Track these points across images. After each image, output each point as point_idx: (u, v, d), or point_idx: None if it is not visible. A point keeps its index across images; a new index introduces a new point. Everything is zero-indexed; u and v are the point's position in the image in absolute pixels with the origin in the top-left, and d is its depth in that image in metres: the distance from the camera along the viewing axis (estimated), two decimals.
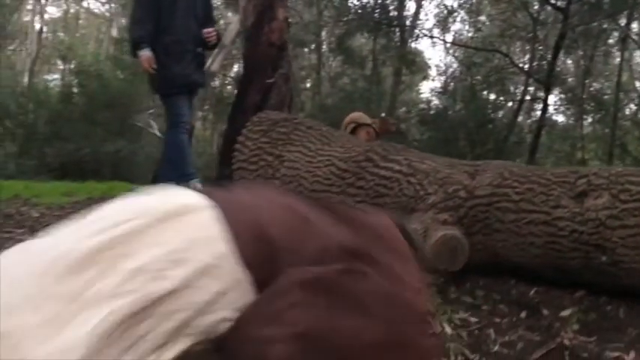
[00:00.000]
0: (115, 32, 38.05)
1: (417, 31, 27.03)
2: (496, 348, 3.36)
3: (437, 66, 32.21)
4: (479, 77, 24.92)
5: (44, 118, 20.65)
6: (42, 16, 31.97)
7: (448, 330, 3.48)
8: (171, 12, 5.98)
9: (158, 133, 22.00)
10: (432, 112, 24.51)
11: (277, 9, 8.12)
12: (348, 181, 4.77)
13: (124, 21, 37.10)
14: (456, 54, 30.10)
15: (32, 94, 22.46)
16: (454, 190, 4.26)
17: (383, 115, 11.22)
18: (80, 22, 41.58)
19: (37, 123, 20.50)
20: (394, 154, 4.79)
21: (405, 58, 25.62)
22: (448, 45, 29.73)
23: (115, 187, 7.87)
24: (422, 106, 28.23)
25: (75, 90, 22.93)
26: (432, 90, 31.85)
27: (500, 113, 26.10)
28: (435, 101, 27.46)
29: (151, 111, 26.15)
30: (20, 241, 3.66)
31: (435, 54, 53.40)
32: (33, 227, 5.02)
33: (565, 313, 3.72)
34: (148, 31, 5.91)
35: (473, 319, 3.67)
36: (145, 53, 5.85)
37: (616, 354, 3.24)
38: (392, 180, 4.58)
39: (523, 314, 3.75)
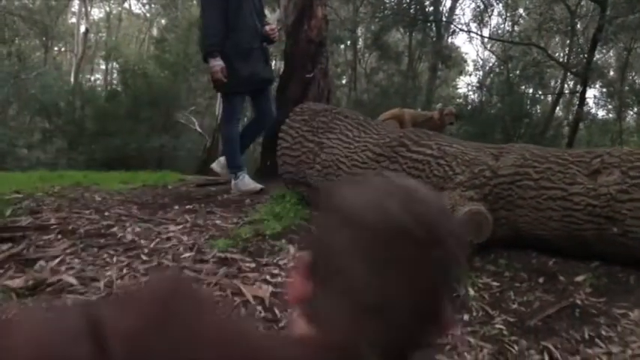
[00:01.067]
0: (155, 32, 38.79)
1: (452, 26, 27.30)
2: (514, 306, 3.78)
3: (474, 61, 32.40)
4: (517, 71, 24.92)
5: (92, 115, 21.30)
6: (87, 18, 32.63)
7: (471, 292, 3.92)
8: (237, 13, 6.31)
9: (199, 129, 22.58)
10: (468, 106, 24.54)
11: (316, 7, 8.44)
12: (383, 164, 5.20)
13: (164, 21, 37.79)
14: (493, 48, 30.17)
15: (80, 92, 23.12)
16: (480, 170, 4.68)
17: (439, 105, 11.52)
18: (122, 23, 42.30)
19: (85, 120, 21.16)
20: (426, 139, 5.21)
21: (441, 53, 25.68)
22: (485, 40, 29.74)
23: (167, 176, 8.40)
24: (459, 100, 28.17)
25: (119, 88, 23.58)
26: (468, 85, 31.88)
27: (538, 107, 26.23)
28: (472, 96, 27.56)
29: (191, 108, 26.82)
30: (88, 221, 4.20)
31: (472, 49, 53.26)
32: (98, 208, 5.54)
33: (579, 278, 4.14)
34: (220, 37, 6.24)
35: (495, 284, 4.10)
36: (218, 63, 6.20)
37: (622, 311, 3.65)
38: (423, 162, 5.00)
39: (541, 280, 4.16)
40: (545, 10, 23.11)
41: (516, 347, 3.22)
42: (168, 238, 4.64)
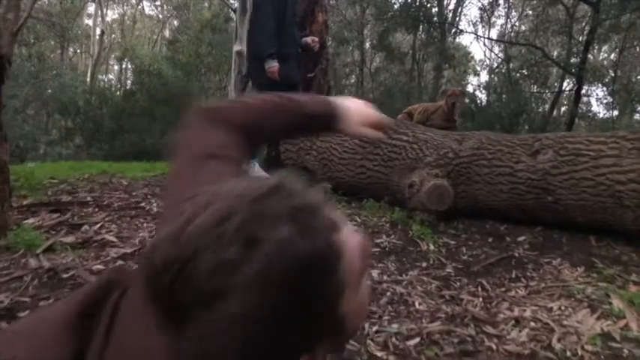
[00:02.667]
0: (167, 33, 39.70)
1: (455, 27, 27.99)
2: (464, 258, 4.75)
3: (481, 60, 33.16)
4: (523, 71, 25.50)
5: (109, 113, 22.27)
6: (103, 20, 33.56)
7: (431, 247, 4.90)
8: (282, 21, 7.09)
9: None
10: (472, 105, 25.05)
11: (317, 13, 9.30)
12: (368, 150, 6.21)
13: (176, 23, 38.70)
14: (494, 49, 30.95)
15: (98, 91, 24.11)
16: (444, 153, 5.66)
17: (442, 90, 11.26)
18: (136, 24, 43.15)
19: (103, 118, 22.12)
20: (403, 128, 6.22)
21: (445, 53, 26.34)
22: (487, 40, 30.48)
23: None
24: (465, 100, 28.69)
25: (134, 88, 24.50)
26: (473, 85, 32.56)
27: (537, 105, 26.93)
28: (479, 94, 28.19)
29: None
30: (119, 199, 5.22)
31: (479, 49, 53.90)
32: (125, 189, 6.54)
33: (521, 238, 5.12)
34: (275, 42, 6.98)
35: (452, 242, 5.08)
36: (275, 64, 6.91)
37: (548, 260, 4.62)
38: (400, 147, 6.01)
39: (490, 239, 5.15)
40: (541, 11, 23.87)
41: (458, 283, 4.18)
42: None
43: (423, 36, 27.57)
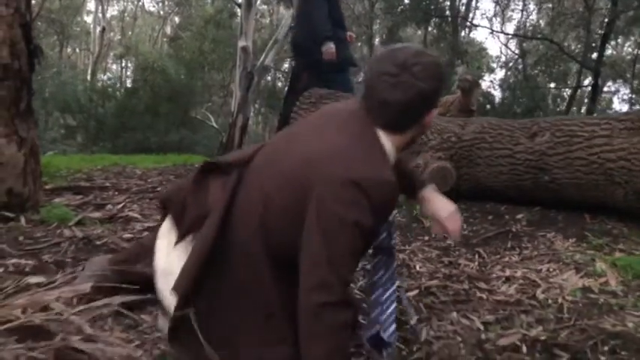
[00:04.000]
0: (169, 30, 40.30)
1: (469, 21, 28.41)
2: (465, 233, 5.35)
3: (497, 57, 33.52)
4: (540, 67, 25.89)
5: (112, 111, 22.85)
6: (104, 16, 34.09)
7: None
8: (334, 7, 8.08)
9: (215, 125, 24.00)
10: (486, 102, 25.27)
11: None
12: None
13: (177, 19, 39.31)
14: (510, 44, 31.37)
15: (100, 89, 24.70)
16: (448, 137, 6.27)
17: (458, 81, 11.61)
18: (136, 21, 43.62)
19: (106, 116, 22.70)
20: None
21: (457, 48, 26.78)
22: (501, 35, 30.83)
23: (192, 158, 10.10)
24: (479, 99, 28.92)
25: (137, 85, 25.03)
26: (487, 81, 32.85)
27: (557, 103, 27.41)
28: (492, 92, 28.67)
29: (207, 104, 28.27)
30: (136, 184, 5.87)
31: (494, 45, 54.31)
32: (141, 177, 7.19)
33: (519, 216, 5.73)
34: (330, 25, 7.95)
35: None
36: (332, 46, 7.87)
37: (542, 233, 5.22)
38: None
39: (490, 217, 5.76)
40: (558, 4, 24.22)
41: (457, 252, 4.79)
42: None
43: (434, 31, 27.98)
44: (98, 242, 4.25)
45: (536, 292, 3.84)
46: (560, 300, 3.70)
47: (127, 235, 4.48)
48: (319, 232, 2.14)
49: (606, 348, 3.02)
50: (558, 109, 27.22)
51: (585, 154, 5.51)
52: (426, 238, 5.13)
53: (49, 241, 4.23)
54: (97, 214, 5.12)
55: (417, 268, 4.28)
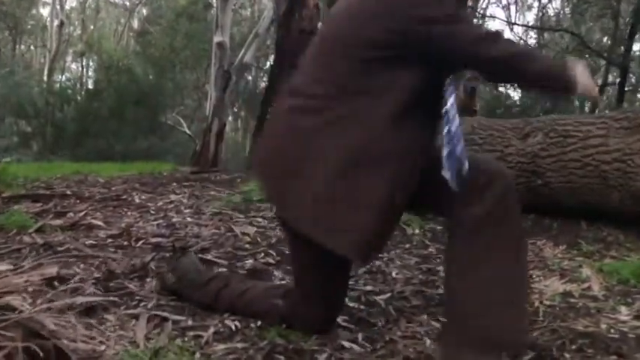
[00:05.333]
0: (136, 24, 40.60)
1: (479, 12, 28.66)
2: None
3: None
4: None
5: (72, 115, 23.14)
6: (62, 9, 34.22)
7: (417, 231, 6.00)
8: None
9: (188, 132, 24.34)
10: (501, 109, 25.43)
11: None
12: None
13: (145, 11, 39.57)
14: (524, 36, 31.63)
15: (58, 91, 24.98)
16: None
17: None
18: (99, 14, 43.65)
19: (66, 121, 22.99)
20: None
21: None
22: (515, 26, 31.05)
23: (161, 166, 10.59)
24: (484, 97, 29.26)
25: (100, 87, 25.30)
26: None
27: (582, 103, 27.76)
28: (503, 90, 28.96)
29: (179, 108, 28.55)
30: (99, 192, 6.38)
31: (512, 37, 54.42)
32: (104, 185, 7.68)
33: None
34: None
35: (438, 227, 6.17)
36: None
37: (532, 241, 5.70)
38: None
39: None
40: None
41: (437, 260, 5.25)
42: (171, 202, 6.78)
43: None
44: (60, 249, 4.70)
45: None
46: (537, 304, 4.14)
47: (90, 242, 4.94)
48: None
49: (574, 347, 3.44)
50: (586, 111, 27.45)
51: (579, 156, 5.99)
52: (407, 245, 5.60)
53: (8, 247, 4.68)
54: (57, 222, 5.59)
55: (393, 274, 4.73)
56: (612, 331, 3.66)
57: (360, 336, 3.42)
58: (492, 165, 2.96)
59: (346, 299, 3.80)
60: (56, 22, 33.47)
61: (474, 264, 2.75)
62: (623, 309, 4.03)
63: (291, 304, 3.34)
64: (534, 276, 4.76)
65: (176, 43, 27.82)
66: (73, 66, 43.68)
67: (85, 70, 40.43)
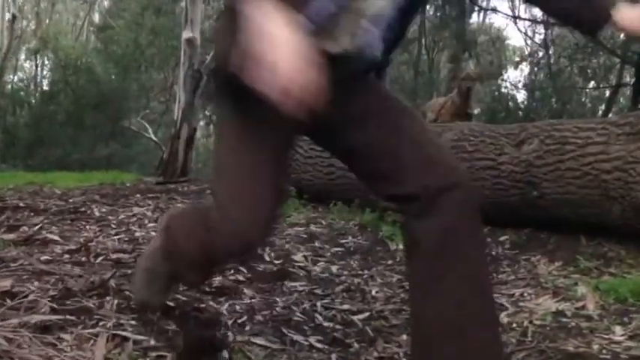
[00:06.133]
0: (97, 18, 40.55)
1: (477, 4, 28.62)
2: None
3: (517, 48, 33.78)
4: (568, 62, 26.28)
5: (25, 121, 23.10)
6: (14, 1, 34.07)
7: (400, 247, 6.16)
8: None
9: (154, 138, 24.24)
10: (501, 112, 25.40)
11: None
12: None
13: (107, 3, 39.53)
14: (531, 33, 31.76)
15: (11, 92, 24.93)
16: None
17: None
18: (55, 7, 43.46)
19: (18, 126, 22.94)
20: None
21: (464, 37, 27.33)
22: (518, 20, 31.00)
23: (123, 176, 10.77)
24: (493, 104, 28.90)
25: (56, 88, 25.24)
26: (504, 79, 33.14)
27: (595, 106, 27.89)
28: (507, 90, 29.12)
29: (145, 112, 28.46)
30: (55, 205, 6.58)
31: (516, 34, 54.43)
32: (61, 197, 7.84)
33: (502, 238, 6.42)
34: None
35: None
36: None
37: (526, 257, 5.90)
38: None
39: None
40: None
41: None
42: (133, 215, 6.96)
43: (438, 14, 28.22)
44: (13, 265, 4.82)
45: (500, 315, 4.46)
46: (526, 323, 4.32)
47: (46, 258, 5.09)
48: None
49: None
50: (597, 114, 27.53)
51: (578, 165, 6.13)
52: (389, 262, 5.80)
53: None
54: (10, 236, 5.74)
55: (373, 292, 4.92)
56: (604, 352, 3.79)
57: (333, 357, 3.56)
58: (448, 161, 2.86)
59: (321, 318, 3.99)
60: (7, 16, 33.40)
61: (436, 286, 2.73)
62: (618, 329, 4.16)
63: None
64: (525, 294, 4.92)
65: (141, 40, 27.78)
66: (27, 65, 43.38)
67: (39, 69, 40.18)
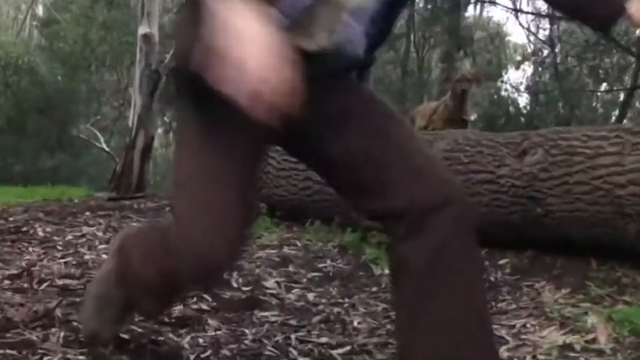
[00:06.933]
0: (40, 11, 40.43)
1: None
2: None
3: (521, 46, 33.91)
4: (576, 62, 26.32)
5: None
6: None
7: (386, 271, 6.11)
8: None
9: (106, 148, 24.11)
10: (501, 119, 25.46)
11: None
12: None
13: None
14: (534, 28, 31.84)
15: None
16: None
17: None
18: None
19: None
20: None
21: (458, 33, 27.26)
22: (523, 16, 31.08)
23: (70, 191, 10.72)
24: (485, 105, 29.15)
25: None
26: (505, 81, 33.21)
27: (608, 111, 27.98)
28: (505, 93, 29.19)
29: (96, 118, 28.37)
30: None
31: (518, 31, 54.55)
32: (1, 214, 7.81)
33: (502, 261, 6.41)
34: None
35: None
36: None
37: (529, 283, 5.90)
38: None
39: None
40: None
41: None
42: (83, 235, 6.93)
43: (428, 7, 28.21)
44: None
45: (499, 349, 4.44)
46: (528, 359, 4.30)
47: None
48: None
49: None
50: (610, 120, 27.59)
51: (588, 178, 6.05)
52: (373, 288, 5.78)
53: None
54: None
55: (355, 323, 4.88)
56: None
57: None
58: (440, 174, 2.86)
59: (296, 353, 3.98)
60: None
61: (426, 304, 2.70)
62: None
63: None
64: (528, 325, 4.88)
65: (91, 35, 27.63)
66: None
67: None
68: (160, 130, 27.65)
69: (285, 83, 2.10)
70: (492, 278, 6.00)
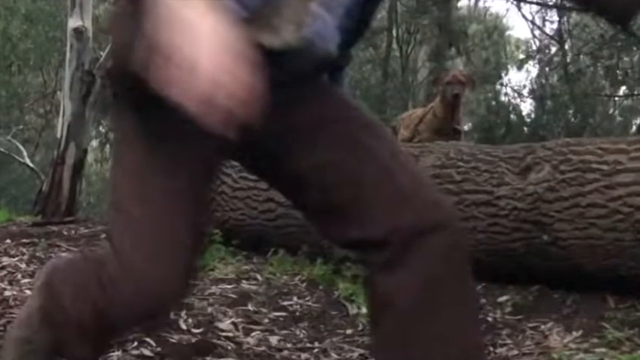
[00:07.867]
0: None
1: None
2: None
3: (524, 42, 34.01)
4: (589, 62, 26.50)
5: None
6: None
7: (363, 310, 6.15)
8: None
9: (30, 164, 24.05)
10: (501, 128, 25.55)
11: None
12: None
13: None
14: (540, 21, 32.00)
15: None
16: None
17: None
18: None
19: None
20: None
21: (449, 27, 27.37)
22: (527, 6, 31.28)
23: None
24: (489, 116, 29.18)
25: None
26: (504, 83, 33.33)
27: (627, 118, 28.15)
28: (505, 98, 29.33)
29: (17, 128, 28.33)
30: None
31: (521, 24, 54.66)
32: None
33: (502, 298, 6.38)
34: None
35: None
36: None
37: (533, 325, 5.88)
38: None
39: None
40: None
41: None
42: (2, 267, 6.89)
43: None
44: None
45: None
46: None
47: None
48: None
49: None
50: (630, 130, 27.74)
51: (604, 199, 6.01)
52: (348, 331, 5.74)
53: None
54: None
55: None
56: None
57: None
58: (428, 194, 2.79)
59: None
60: None
61: (412, 357, 2.66)
62: None
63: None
64: None
65: (12, 30, 27.63)
66: None
67: None
68: (94, 143, 27.56)
69: (243, 87, 2.03)
70: (490, 318, 5.95)
